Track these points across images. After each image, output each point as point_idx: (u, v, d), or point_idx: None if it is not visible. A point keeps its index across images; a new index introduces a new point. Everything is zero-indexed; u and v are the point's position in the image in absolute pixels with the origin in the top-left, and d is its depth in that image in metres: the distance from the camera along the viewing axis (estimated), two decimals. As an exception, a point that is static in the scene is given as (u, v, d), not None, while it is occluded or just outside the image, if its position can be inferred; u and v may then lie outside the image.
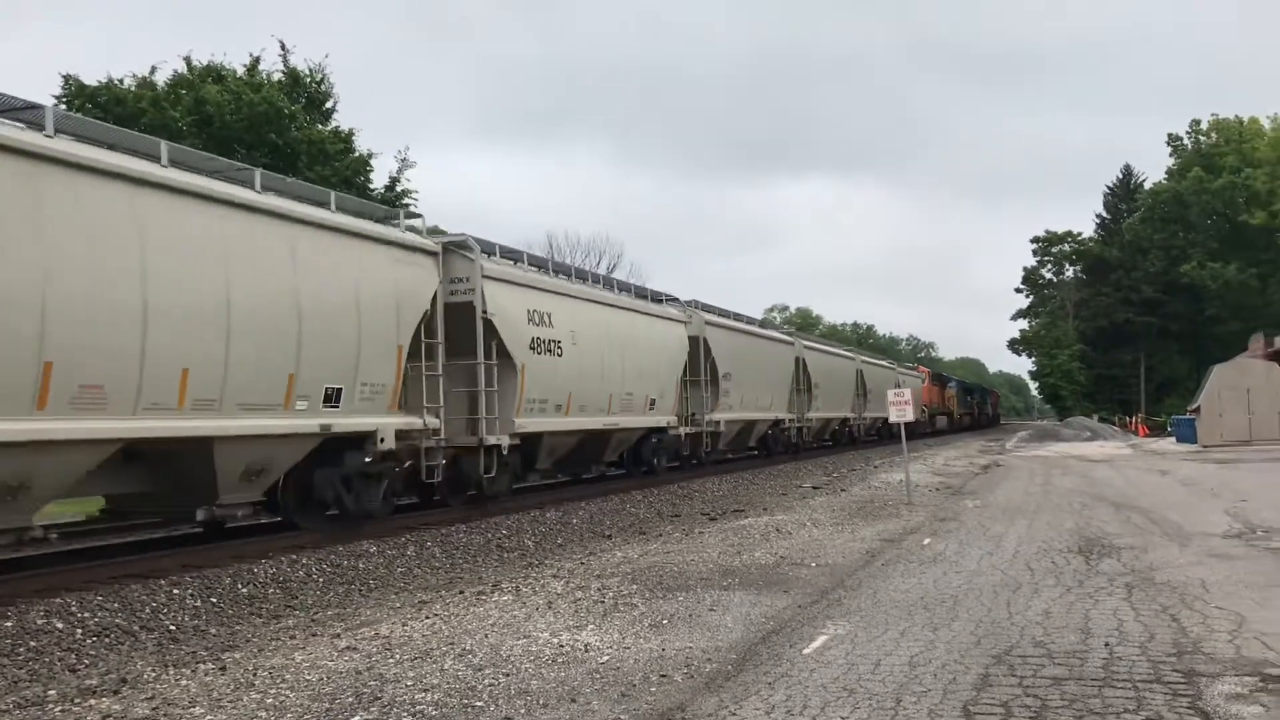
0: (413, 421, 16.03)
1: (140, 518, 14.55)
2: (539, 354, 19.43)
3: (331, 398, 14.19)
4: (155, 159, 12.06)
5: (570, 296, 21.40)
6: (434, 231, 18.64)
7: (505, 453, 18.37)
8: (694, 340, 27.92)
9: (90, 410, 10.68)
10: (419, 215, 17.52)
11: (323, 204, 14.87)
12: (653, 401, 24.87)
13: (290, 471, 14.22)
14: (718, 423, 29.41)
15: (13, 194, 10.09)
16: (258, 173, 13.74)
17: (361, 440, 14.98)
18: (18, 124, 10.64)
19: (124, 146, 12.02)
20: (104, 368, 10.80)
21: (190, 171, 12.56)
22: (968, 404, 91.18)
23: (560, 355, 20.18)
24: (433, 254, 16.91)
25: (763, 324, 39.98)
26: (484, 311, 17.68)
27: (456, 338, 17.34)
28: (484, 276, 17.86)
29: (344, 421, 14.45)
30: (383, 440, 15.22)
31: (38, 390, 10.13)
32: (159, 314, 11.36)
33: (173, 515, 14.22)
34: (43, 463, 10.48)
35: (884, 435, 51.41)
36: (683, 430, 27.21)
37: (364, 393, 14.79)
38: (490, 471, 18.04)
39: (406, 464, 16.52)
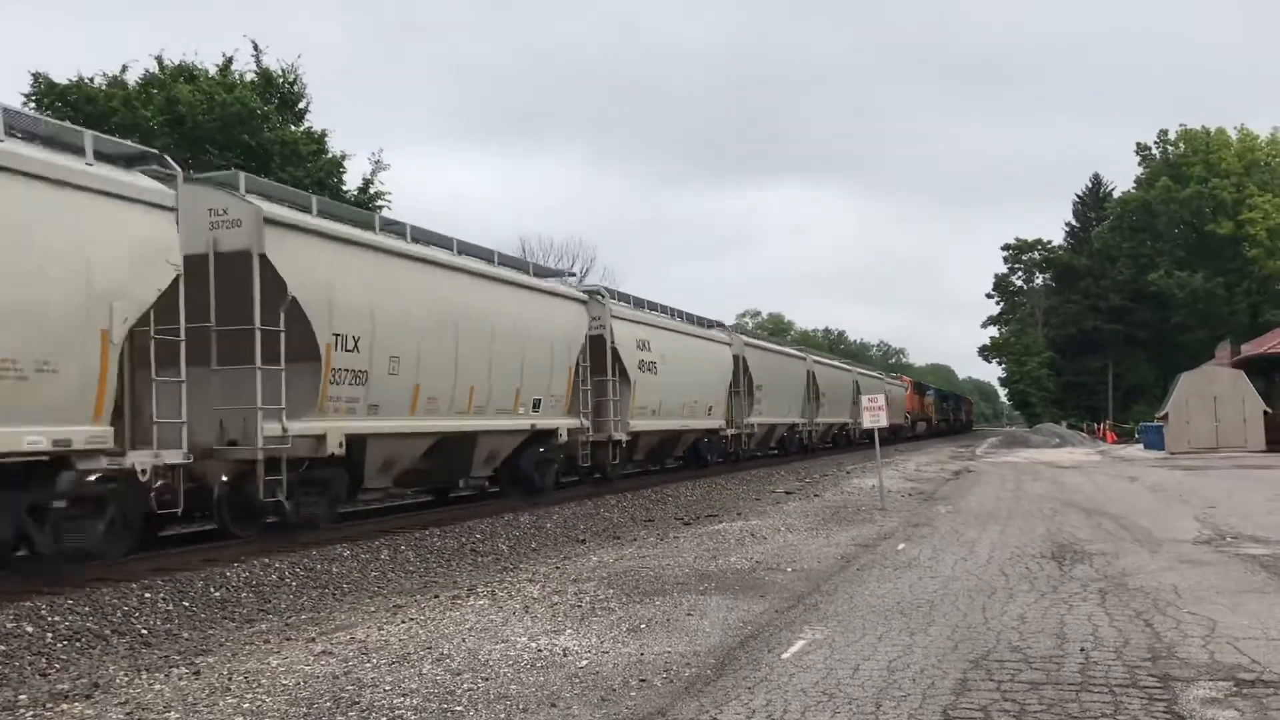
0: (573, 422, 22.03)
1: (416, 488, 20.68)
2: (644, 372, 25.82)
3: (536, 405, 20.29)
4: (449, 247, 18.57)
5: (659, 327, 27.94)
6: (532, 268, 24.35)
7: (623, 446, 24.69)
8: (736, 358, 33.87)
9: (432, 414, 17.03)
10: (574, 274, 24.74)
11: (524, 270, 21.31)
12: (710, 409, 31.10)
13: (507, 457, 20.16)
14: (752, 426, 35.55)
15: (391, 292, 16.09)
16: (495, 253, 19.93)
17: (548, 436, 21.14)
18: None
19: (419, 235, 18.06)
20: (438, 388, 17.15)
21: (472, 256, 19.27)
22: (944, 410, 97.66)
23: (656, 373, 26.64)
24: (583, 301, 23.09)
25: (781, 342, 47.67)
26: (611, 342, 23.74)
27: (591, 360, 23.30)
28: (612, 316, 24.28)
29: (543, 421, 20.70)
30: (561, 436, 21.53)
31: (411, 401, 16.51)
32: (464, 355, 17.80)
33: (436, 486, 20.49)
34: (405, 446, 16.89)
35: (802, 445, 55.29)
36: (729, 432, 33.04)
37: (551, 401, 20.80)
38: (615, 459, 24.55)
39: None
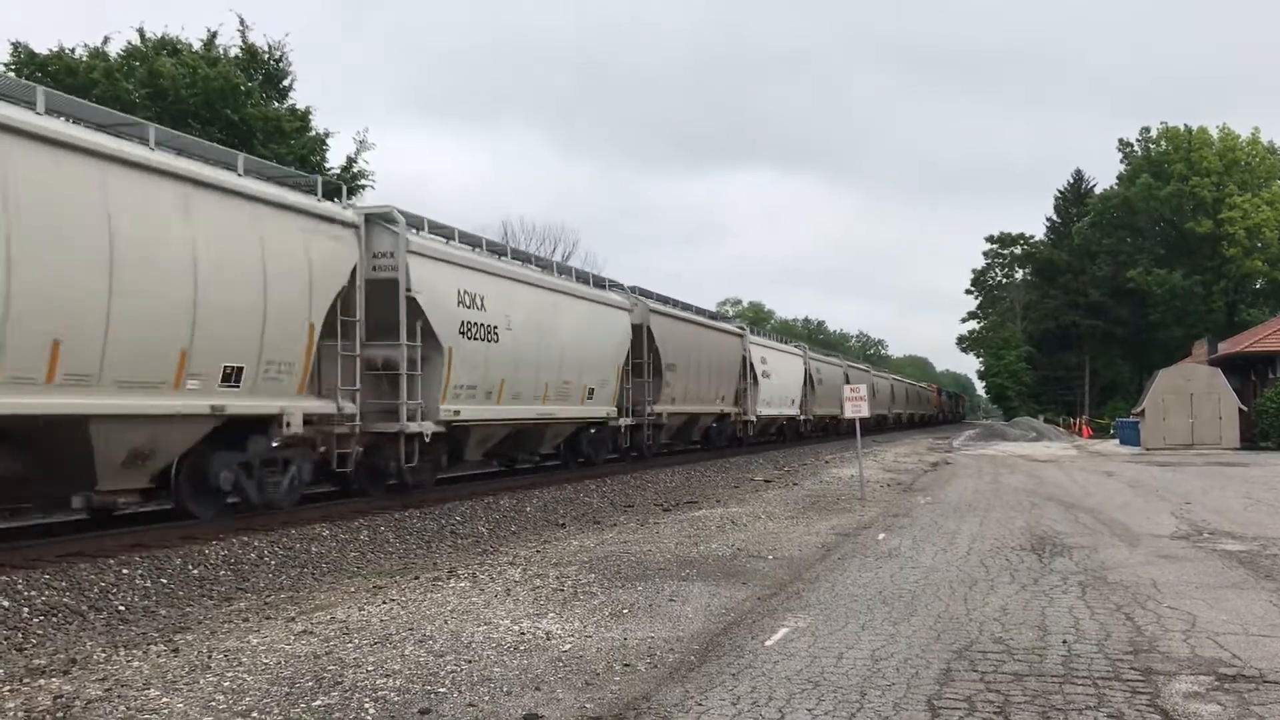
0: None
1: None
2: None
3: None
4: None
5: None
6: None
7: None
8: (806, 370, 47.38)
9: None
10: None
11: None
12: (792, 400, 44.56)
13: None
14: (814, 414, 49.35)
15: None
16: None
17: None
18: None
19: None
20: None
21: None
22: (949, 405, 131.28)
23: (771, 379, 40.38)
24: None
25: (828, 354, 61.15)
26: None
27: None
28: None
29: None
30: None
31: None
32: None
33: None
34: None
35: (907, 424, 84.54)
36: (802, 417, 47.18)
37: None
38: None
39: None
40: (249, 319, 13.49)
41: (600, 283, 26.57)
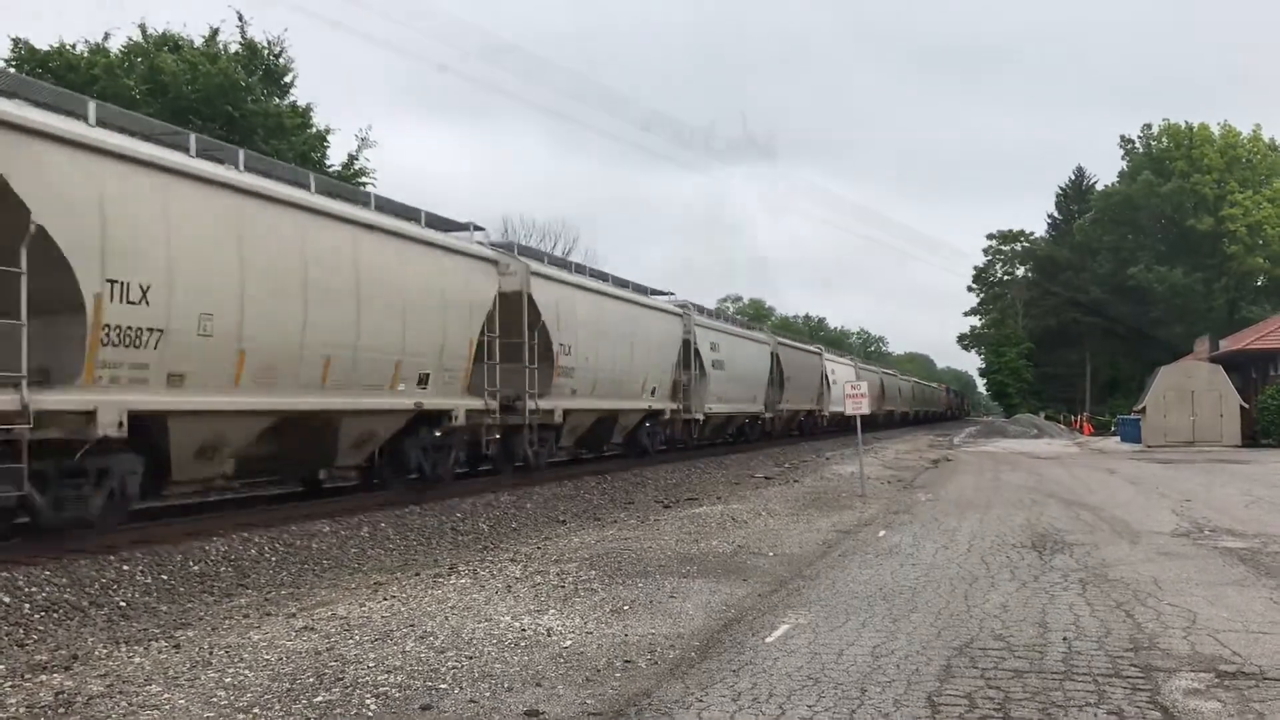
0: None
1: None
2: (835, 385, 47.02)
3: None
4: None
5: (837, 361, 53.60)
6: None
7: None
8: (876, 380, 62.36)
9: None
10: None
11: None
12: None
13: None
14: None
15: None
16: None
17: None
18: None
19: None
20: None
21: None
22: (955, 401, 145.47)
23: (836, 384, 47.76)
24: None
25: (865, 361, 74.61)
26: (825, 372, 41.88)
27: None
28: (825, 360, 49.35)
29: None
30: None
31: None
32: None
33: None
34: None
35: (923, 419, 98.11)
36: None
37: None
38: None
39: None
40: (662, 366, 27.93)
41: (756, 326, 45.15)
